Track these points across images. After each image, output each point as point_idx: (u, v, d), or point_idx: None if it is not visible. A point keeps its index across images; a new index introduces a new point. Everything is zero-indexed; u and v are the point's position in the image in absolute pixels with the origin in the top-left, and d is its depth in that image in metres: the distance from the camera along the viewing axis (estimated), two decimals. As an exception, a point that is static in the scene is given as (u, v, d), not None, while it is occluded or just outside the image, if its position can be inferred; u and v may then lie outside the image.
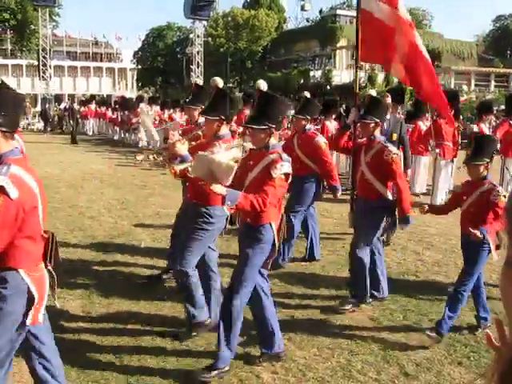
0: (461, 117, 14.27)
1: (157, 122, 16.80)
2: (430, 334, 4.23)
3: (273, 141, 3.74)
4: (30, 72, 51.12)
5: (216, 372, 3.69)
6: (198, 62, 35.10)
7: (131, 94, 48.79)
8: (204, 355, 3.99)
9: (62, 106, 30.11)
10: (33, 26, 40.90)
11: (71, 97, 44.90)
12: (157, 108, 18.90)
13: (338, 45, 42.36)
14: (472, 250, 4.26)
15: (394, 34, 5.14)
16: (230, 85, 46.99)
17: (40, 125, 29.14)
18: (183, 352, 4.07)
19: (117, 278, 5.72)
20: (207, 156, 3.54)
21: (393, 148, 5.00)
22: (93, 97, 31.39)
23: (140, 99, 22.58)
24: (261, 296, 3.87)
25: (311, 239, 6.39)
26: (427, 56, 5.22)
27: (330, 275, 5.92)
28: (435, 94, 5.35)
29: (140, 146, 17.32)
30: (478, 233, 3.93)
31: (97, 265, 6.09)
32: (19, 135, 4.66)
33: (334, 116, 11.64)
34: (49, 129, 27.35)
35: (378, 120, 4.98)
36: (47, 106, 30.73)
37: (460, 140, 10.15)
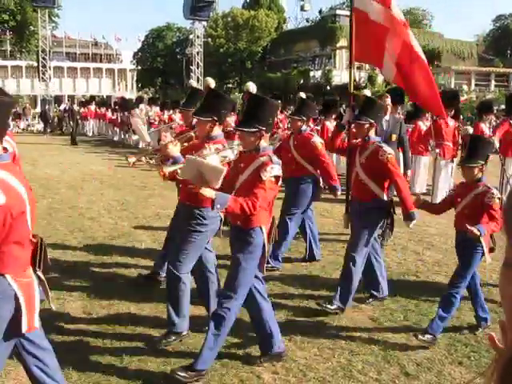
0: (461, 117, 14.29)
1: (156, 123, 16.84)
2: (422, 338, 4.20)
3: (263, 143, 3.71)
4: (29, 73, 51.13)
5: (194, 373, 3.64)
6: (197, 63, 35.09)
7: (131, 94, 48.77)
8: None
9: (62, 107, 30.14)
10: (32, 27, 40.85)
11: (71, 98, 44.92)
12: (156, 109, 18.91)
13: (338, 45, 42.37)
14: (466, 251, 4.26)
15: (387, 34, 5.13)
16: (230, 85, 47.08)
17: (40, 126, 29.17)
18: (184, 354, 4.07)
19: (117, 279, 5.72)
20: (196, 159, 3.50)
21: (387, 148, 4.93)
22: (93, 98, 31.37)
23: (140, 100, 22.59)
24: (257, 298, 3.86)
25: (309, 240, 6.38)
26: (423, 56, 5.20)
27: (330, 275, 5.92)
28: (431, 96, 5.31)
29: (140, 146, 17.34)
30: (474, 229, 3.92)
31: (97, 266, 6.09)
32: (11, 137, 4.66)
33: (334, 116, 11.64)
34: (48, 130, 27.38)
35: (372, 121, 4.93)
36: (47, 107, 30.75)
37: (460, 140, 10.14)
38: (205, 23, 39.22)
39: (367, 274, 5.16)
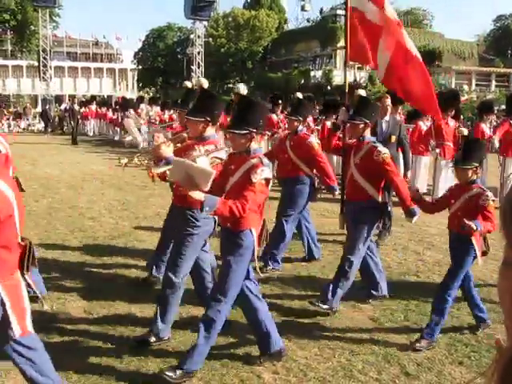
0: (461, 117, 14.28)
1: (157, 123, 16.84)
2: (419, 345, 4.18)
3: (254, 145, 3.69)
4: (30, 73, 51.23)
5: (182, 374, 3.62)
6: (198, 63, 35.13)
7: (132, 94, 48.84)
8: (206, 358, 3.98)
9: (63, 106, 30.16)
10: (33, 27, 40.92)
11: (72, 97, 44.91)
12: (157, 109, 18.93)
13: (339, 45, 42.28)
14: (459, 252, 4.26)
15: (381, 34, 5.12)
16: (231, 85, 47.02)
17: (40, 125, 29.20)
18: (184, 354, 4.06)
19: (118, 279, 5.72)
20: (185, 161, 3.46)
21: (382, 148, 4.89)
22: (93, 97, 31.41)
23: (141, 100, 22.62)
24: (250, 299, 3.85)
25: (308, 240, 6.36)
26: (419, 56, 5.18)
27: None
28: (426, 96, 5.27)
29: (140, 147, 17.32)
30: (472, 224, 3.91)
31: (97, 266, 6.09)
32: (4, 137, 4.65)
33: (334, 116, 11.64)
34: (49, 129, 27.40)
35: (367, 120, 4.92)
36: (47, 106, 30.78)
37: (460, 140, 10.14)
38: (206, 23, 39.27)
39: (365, 275, 5.16)
